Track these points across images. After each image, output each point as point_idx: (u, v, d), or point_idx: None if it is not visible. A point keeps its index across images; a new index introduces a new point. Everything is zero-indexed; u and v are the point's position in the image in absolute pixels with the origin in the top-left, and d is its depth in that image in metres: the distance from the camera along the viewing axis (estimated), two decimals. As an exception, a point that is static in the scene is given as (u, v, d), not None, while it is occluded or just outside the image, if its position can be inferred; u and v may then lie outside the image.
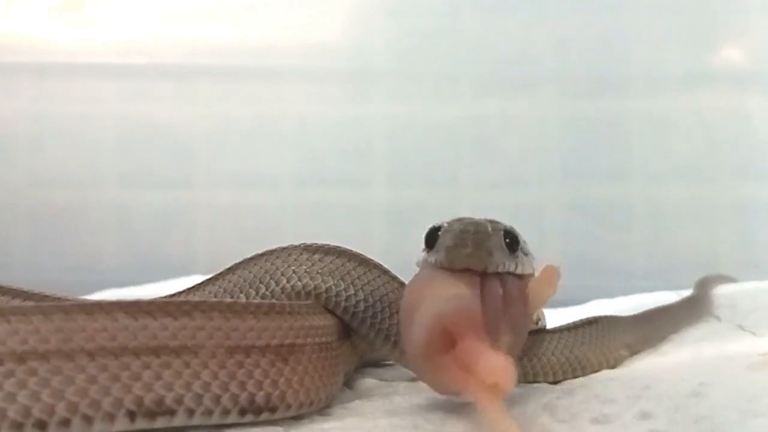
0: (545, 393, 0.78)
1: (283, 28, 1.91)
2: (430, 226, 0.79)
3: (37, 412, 0.58)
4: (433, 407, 0.74)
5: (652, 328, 1.07)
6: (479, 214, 0.79)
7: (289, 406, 0.69)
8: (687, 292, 1.35)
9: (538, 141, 1.91)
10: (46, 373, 0.58)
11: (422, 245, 0.80)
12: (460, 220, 0.76)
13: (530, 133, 1.92)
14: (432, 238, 0.77)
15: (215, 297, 0.86)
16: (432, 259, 0.75)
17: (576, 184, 1.89)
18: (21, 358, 0.58)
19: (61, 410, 0.58)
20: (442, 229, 0.76)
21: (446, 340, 0.65)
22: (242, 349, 0.67)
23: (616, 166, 1.90)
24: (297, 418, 0.73)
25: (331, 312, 0.83)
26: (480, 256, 0.72)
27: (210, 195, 1.88)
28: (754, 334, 1.04)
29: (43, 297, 0.91)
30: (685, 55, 1.93)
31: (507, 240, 0.75)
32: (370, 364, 1.04)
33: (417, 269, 0.79)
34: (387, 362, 1.05)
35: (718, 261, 1.80)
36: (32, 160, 1.86)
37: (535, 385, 0.86)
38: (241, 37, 1.91)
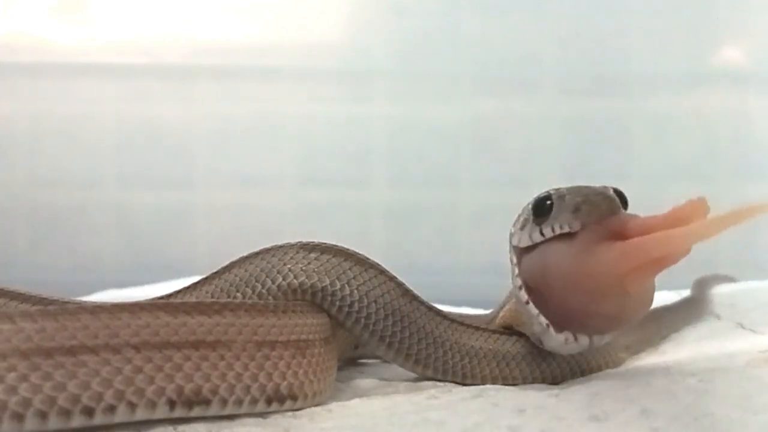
0: (545, 391, 0.78)
1: (283, 28, 1.91)
2: (534, 198, 0.78)
3: (85, 399, 0.63)
4: (433, 407, 0.74)
5: (651, 329, 1.07)
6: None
7: (306, 396, 0.75)
8: (687, 292, 1.35)
9: (538, 141, 1.91)
10: (96, 364, 0.63)
11: (519, 224, 0.79)
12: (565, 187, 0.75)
13: (530, 132, 1.92)
14: (542, 208, 0.76)
15: (212, 296, 0.87)
16: (553, 226, 0.74)
17: (576, 184, 1.89)
18: (70, 352, 0.63)
19: (108, 398, 0.63)
20: (555, 196, 0.75)
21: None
22: (268, 344, 0.73)
23: (616, 166, 1.90)
24: (297, 417, 0.73)
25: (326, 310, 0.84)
26: (610, 202, 0.71)
27: (210, 195, 1.88)
28: (754, 332, 1.04)
29: (40, 299, 0.91)
30: (685, 55, 1.93)
31: (619, 199, 0.74)
32: (354, 360, 1.05)
33: (512, 249, 0.79)
34: (365, 360, 1.05)
35: (718, 261, 1.80)
36: (32, 160, 1.86)
37: (535, 384, 0.86)
38: (241, 37, 1.91)
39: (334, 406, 0.77)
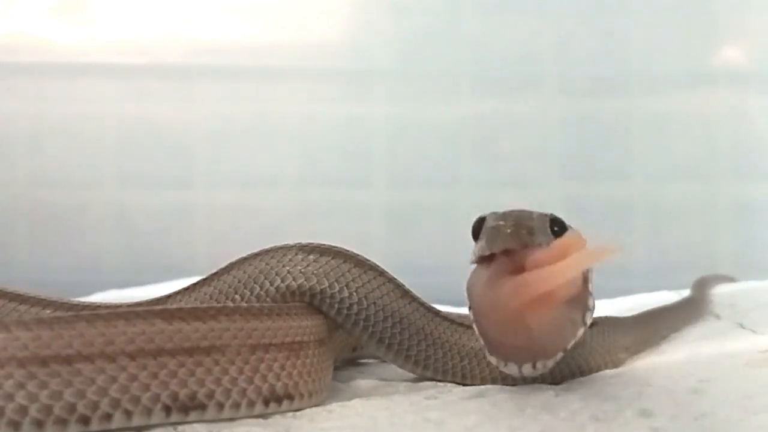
0: (545, 391, 0.78)
1: (283, 28, 1.91)
2: (476, 217, 0.76)
3: (81, 408, 0.63)
4: (433, 407, 0.74)
5: (651, 330, 1.06)
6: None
7: (302, 396, 0.76)
8: (687, 292, 1.35)
9: (538, 141, 1.91)
10: (91, 373, 0.64)
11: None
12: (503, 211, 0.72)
13: (530, 133, 1.92)
14: (478, 228, 0.74)
15: (211, 298, 0.87)
16: (476, 250, 0.72)
17: (576, 184, 1.89)
18: (66, 360, 0.63)
19: (104, 406, 0.64)
20: (486, 218, 0.73)
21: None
22: (262, 347, 0.73)
23: (617, 165, 1.90)
24: (297, 418, 0.73)
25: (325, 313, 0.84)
26: (519, 234, 0.68)
27: (210, 195, 1.88)
28: (754, 332, 1.04)
29: (39, 300, 0.91)
30: (685, 55, 1.93)
31: (555, 228, 0.72)
32: (353, 361, 1.04)
33: (472, 266, 0.76)
34: (365, 360, 1.05)
35: (718, 261, 1.80)
36: (32, 160, 1.86)
37: (535, 384, 0.86)
38: (241, 37, 1.90)
39: (334, 406, 0.77)
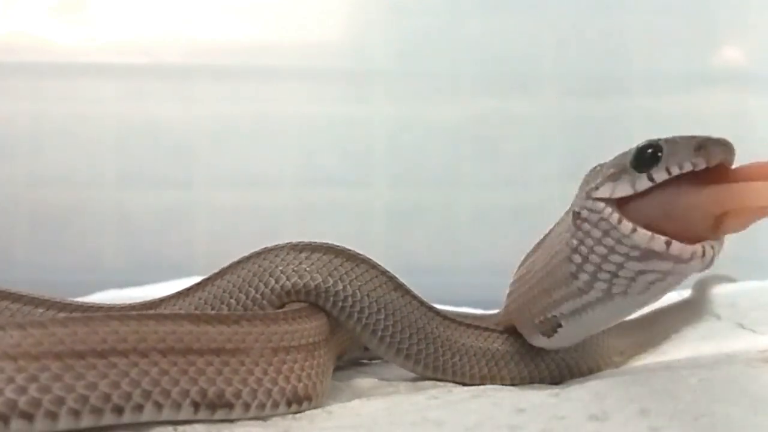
0: (545, 391, 0.78)
1: (283, 28, 1.90)
2: (635, 147, 0.75)
3: (115, 398, 0.65)
4: (433, 407, 0.74)
5: (648, 333, 1.06)
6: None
7: (318, 396, 0.77)
8: (687, 292, 1.35)
9: (538, 141, 1.91)
10: (125, 366, 0.66)
11: (605, 178, 0.76)
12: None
13: (530, 133, 1.92)
14: (644, 157, 0.73)
15: (205, 303, 0.88)
16: (669, 168, 0.71)
17: (576, 184, 1.89)
18: (101, 354, 0.65)
19: (136, 397, 0.66)
20: (662, 143, 0.72)
21: None
22: (283, 349, 0.75)
23: (616, 165, 1.90)
24: (297, 419, 0.73)
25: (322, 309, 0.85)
26: (730, 144, 0.68)
27: (210, 195, 1.88)
28: (754, 332, 1.04)
29: (36, 299, 0.91)
30: (685, 55, 1.93)
31: None
32: (366, 359, 1.04)
33: (593, 204, 0.76)
34: (375, 359, 1.05)
35: (718, 261, 1.80)
36: (32, 160, 1.86)
37: (535, 384, 0.86)
38: (241, 37, 1.90)
39: (334, 406, 0.77)
